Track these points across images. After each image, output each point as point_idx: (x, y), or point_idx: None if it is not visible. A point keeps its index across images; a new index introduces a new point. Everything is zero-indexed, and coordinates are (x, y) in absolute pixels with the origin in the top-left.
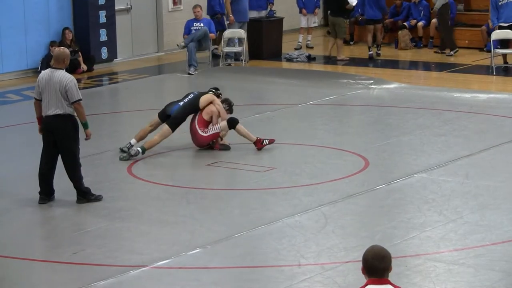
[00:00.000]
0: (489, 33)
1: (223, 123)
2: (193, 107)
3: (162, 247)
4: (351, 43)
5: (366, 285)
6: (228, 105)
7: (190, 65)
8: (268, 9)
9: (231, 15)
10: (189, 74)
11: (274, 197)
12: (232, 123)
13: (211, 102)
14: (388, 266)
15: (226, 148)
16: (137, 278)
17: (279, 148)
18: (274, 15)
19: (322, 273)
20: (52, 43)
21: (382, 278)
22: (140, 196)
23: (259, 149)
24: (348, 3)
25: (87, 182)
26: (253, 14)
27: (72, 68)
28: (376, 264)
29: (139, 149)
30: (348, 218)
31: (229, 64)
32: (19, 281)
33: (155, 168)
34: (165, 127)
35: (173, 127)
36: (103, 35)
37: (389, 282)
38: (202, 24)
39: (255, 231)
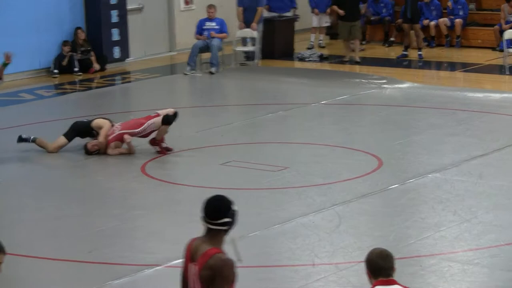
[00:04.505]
0: (501, 32)
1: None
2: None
3: (176, 246)
4: (364, 42)
5: (373, 286)
6: None
7: (187, 64)
8: (292, 13)
9: (241, 22)
10: (184, 74)
11: (288, 197)
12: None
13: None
14: (393, 265)
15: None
16: (151, 277)
17: (292, 147)
18: (297, 19)
19: (336, 273)
20: (65, 43)
21: (388, 278)
22: (153, 196)
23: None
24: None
25: (99, 181)
26: (274, 15)
27: (85, 68)
28: (381, 263)
29: (32, 137)
30: (362, 218)
31: (246, 64)
32: (33, 280)
33: (168, 167)
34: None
35: (69, 138)
36: (116, 35)
37: (396, 283)
38: (214, 24)
39: (269, 231)
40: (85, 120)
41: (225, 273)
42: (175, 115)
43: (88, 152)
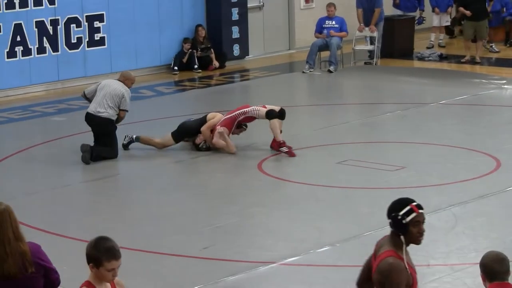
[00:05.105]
0: None
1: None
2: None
3: (291, 244)
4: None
5: None
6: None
7: (306, 62)
8: (418, 15)
9: (361, 24)
10: (303, 72)
11: (404, 197)
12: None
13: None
14: (508, 269)
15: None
16: (266, 275)
17: (410, 147)
18: (423, 22)
19: (451, 274)
20: (185, 40)
21: (503, 282)
22: (270, 193)
23: (275, 149)
24: None
25: (218, 178)
26: (398, 13)
27: (204, 65)
28: (497, 267)
29: (133, 136)
30: (479, 219)
31: (370, 63)
32: (150, 274)
33: (284, 165)
34: (168, 135)
35: (176, 139)
36: (235, 32)
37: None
38: (334, 22)
39: (383, 231)
40: (193, 119)
41: (393, 278)
42: (280, 112)
43: (196, 146)
